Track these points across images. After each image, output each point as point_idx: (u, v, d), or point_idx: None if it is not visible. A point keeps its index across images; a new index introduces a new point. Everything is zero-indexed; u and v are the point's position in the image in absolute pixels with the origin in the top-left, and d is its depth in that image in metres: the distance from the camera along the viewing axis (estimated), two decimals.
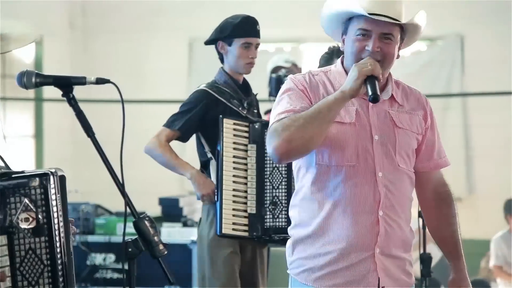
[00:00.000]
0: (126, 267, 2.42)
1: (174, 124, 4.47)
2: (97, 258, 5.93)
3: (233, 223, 4.35)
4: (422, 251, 4.56)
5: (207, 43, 4.62)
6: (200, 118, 4.46)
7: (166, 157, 4.46)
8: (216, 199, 4.37)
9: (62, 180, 2.45)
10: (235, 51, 4.50)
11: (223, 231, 4.32)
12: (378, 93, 2.76)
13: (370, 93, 2.75)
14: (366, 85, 2.77)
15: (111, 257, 5.92)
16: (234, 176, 4.40)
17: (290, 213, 3.03)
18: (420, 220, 4.58)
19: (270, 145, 2.79)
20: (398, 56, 2.96)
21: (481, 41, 9.56)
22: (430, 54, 9.76)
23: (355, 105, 2.90)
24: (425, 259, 4.53)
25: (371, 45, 2.85)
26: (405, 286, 2.98)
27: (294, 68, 6.39)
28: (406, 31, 2.95)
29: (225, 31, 4.51)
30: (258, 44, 4.56)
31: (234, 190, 4.39)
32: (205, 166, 4.53)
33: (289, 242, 3.03)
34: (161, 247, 2.37)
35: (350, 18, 2.91)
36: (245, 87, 4.63)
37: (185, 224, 6.08)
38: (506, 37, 9.47)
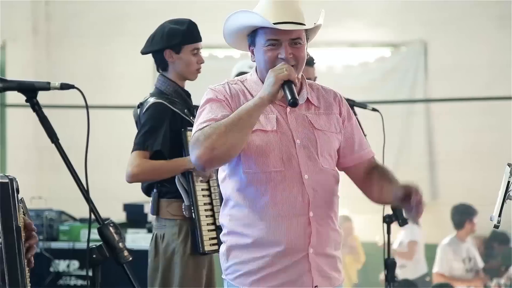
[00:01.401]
0: (90, 273, 2.40)
1: (147, 145, 4.21)
2: (61, 265, 5.89)
3: (210, 238, 4.25)
4: (386, 256, 4.59)
5: (151, 52, 4.44)
6: (169, 132, 4.24)
7: (158, 167, 4.21)
8: (193, 216, 4.22)
9: (3, 186, 2.39)
10: (186, 58, 4.36)
11: (206, 249, 4.21)
12: (297, 97, 2.85)
13: (289, 97, 2.83)
14: (284, 90, 2.85)
15: (75, 263, 5.88)
16: (202, 189, 4.29)
17: (221, 221, 3.09)
18: (385, 225, 4.62)
19: (193, 154, 2.85)
20: (308, 55, 3.07)
21: (444, 48, 9.65)
22: (394, 60, 9.83)
23: (274, 113, 3.00)
24: (389, 264, 4.56)
25: (284, 53, 2.94)
26: (336, 283, 3.07)
27: None
28: (311, 30, 3.03)
29: (174, 38, 4.35)
30: (201, 48, 4.46)
31: (204, 204, 4.27)
32: (169, 182, 4.32)
33: (222, 248, 3.09)
34: (125, 253, 2.36)
35: (254, 30, 2.99)
36: (189, 95, 4.48)
37: (150, 230, 6.04)
38: (469, 43, 9.57)
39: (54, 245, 5.93)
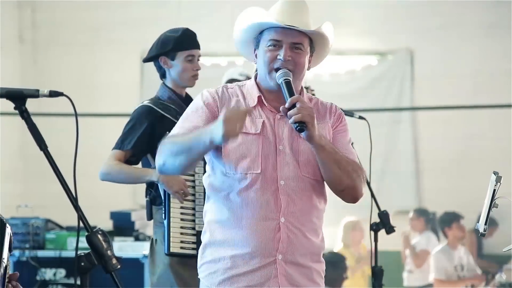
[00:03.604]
0: (78, 281, 2.40)
1: (124, 144, 4.35)
2: (47, 273, 5.87)
3: (181, 241, 4.27)
4: (373, 263, 4.60)
5: (148, 60, 4.52)
6: (148, 135, 4.34)
7: (125, 171, 4.33)
8: (163, 217, 4.28)
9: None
10: (180, 65, 4.42)
11: (171, 250, 4.25)
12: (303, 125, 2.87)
13: (296, 126, 2.87)
14: (284, 92, 2.93)
15: (62, 272, 5.86)
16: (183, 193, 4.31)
17: (204, 219, 3.14)
18: (372, 233, 4.63)
19: (156, 161, 3.05)
20: (309, 68, 3.10)
21: (430, 56, 9.70)
22: (381, 68, 9.86)
23: (262, 117, 3.03)
24: (376, 272, 4.57)
25: (283, 54, 2.98)
26: None
27: None
28: (315, 43, 3.08)
29: (167, 45, 4.42)
30: (199, 56, 4.50)
31: (182, 207, 4.30)
32: (151, 186, 4.41)
33: (201, 246, 3.13)
34: (114, 261, 2.36)
35: (261, 32, 3.04)
36: (189, 101, 4.51)
37: (137, 238, 6.04)
38: (455, 52, 9.62)
39: (41, 253, 5.91)
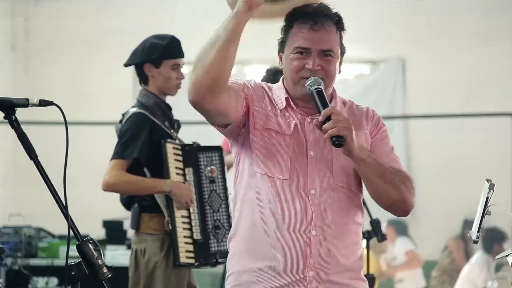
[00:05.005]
0: None
1: (126, 153, 4.25)
2: (40, 282, 5.85)
3: (186, 251, 4.26)
4: (366, 271, 4.60)
5: (129, 65, 4.49)
6: (149, 143, 4.29)
7: (134, 182, 4.24)
8: (168, 226, 4.24)
9: None
10: (165, 73, 4.40)
11: (181, 260, 4.21)
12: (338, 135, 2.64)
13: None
14: (315, 100, 2.70)
15: (54, 280, 5.85)
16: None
17: (232, 224, 2.91)
18: (365, 241, 4.64)
19: (188, 95, 2.67)
20: (339, 71, 2.89)
21: (422, 64, 9.72)
22: (373, 77, 9.88)
23: (295, 120, 2.79)
24: (368, 279, 4.57)
25: (311, 63, 2.75)
26: None
27: None
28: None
29: (153, 53, 4.39)
30: (183, 64, 4.49)
31: (182, 216, 4.29)
32: (150, 197, 4.34)
33: (228, 255, 2.91)
34: (105, 270, 2.35)
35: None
36: (170, 109, 4.53)
37: (129, 247, 6.02)
38: (446, 60, 9.64)
39: (33, 262, 5.90)
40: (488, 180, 3.15)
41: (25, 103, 2.43)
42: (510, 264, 2.98)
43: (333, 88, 2.90)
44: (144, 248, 4.32)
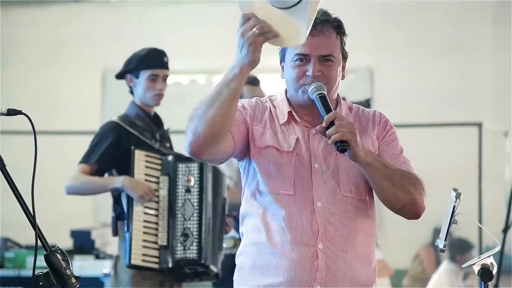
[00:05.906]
0: None
1: (89, 159, 4.42)
2: None
3: (143, 255, 4.32)
4: None
5: (118, 77, 4.62)
6: (114, 150, 4.43)
7: (89, 182, 4.40)
8: (126, 229, 4.34)
9: None
10: (143, 83, 4.50)
11: (132, 261, 4.29)
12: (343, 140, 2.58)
13: (337, 146, 2.61)
14: (319, 106, 2.66)
15: None
16: (145, 207, 4.37)
17: (241, 241, 2.86)
18: None
19: (185, 142, 2.61)
20: (343, 77, 2.86)
21: (390, 75, 9.78)
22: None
23: (296, 134, 2.76)
24: None
25: (311, 70, 2.70)
26: None
27: None
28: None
29: (131, 64, 4.52)
30: (166, 76, 4.55)
31: (144, 221, 4.37)
32: (117, 200, 4.46)
33: (236, 269, 2.85)
34: (73, 280, 2.34)
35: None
36: (157, 120, 4.65)
37: (97, 257, 6.00)
38: (415, 70, 9.71)
39: (0, 272, 5.85)
40: (454, 190, 3.16)
41: None
42: (476, 273, 3.00)
43: (338, 94, 2.88)
44: (119, 255, 4.47)
